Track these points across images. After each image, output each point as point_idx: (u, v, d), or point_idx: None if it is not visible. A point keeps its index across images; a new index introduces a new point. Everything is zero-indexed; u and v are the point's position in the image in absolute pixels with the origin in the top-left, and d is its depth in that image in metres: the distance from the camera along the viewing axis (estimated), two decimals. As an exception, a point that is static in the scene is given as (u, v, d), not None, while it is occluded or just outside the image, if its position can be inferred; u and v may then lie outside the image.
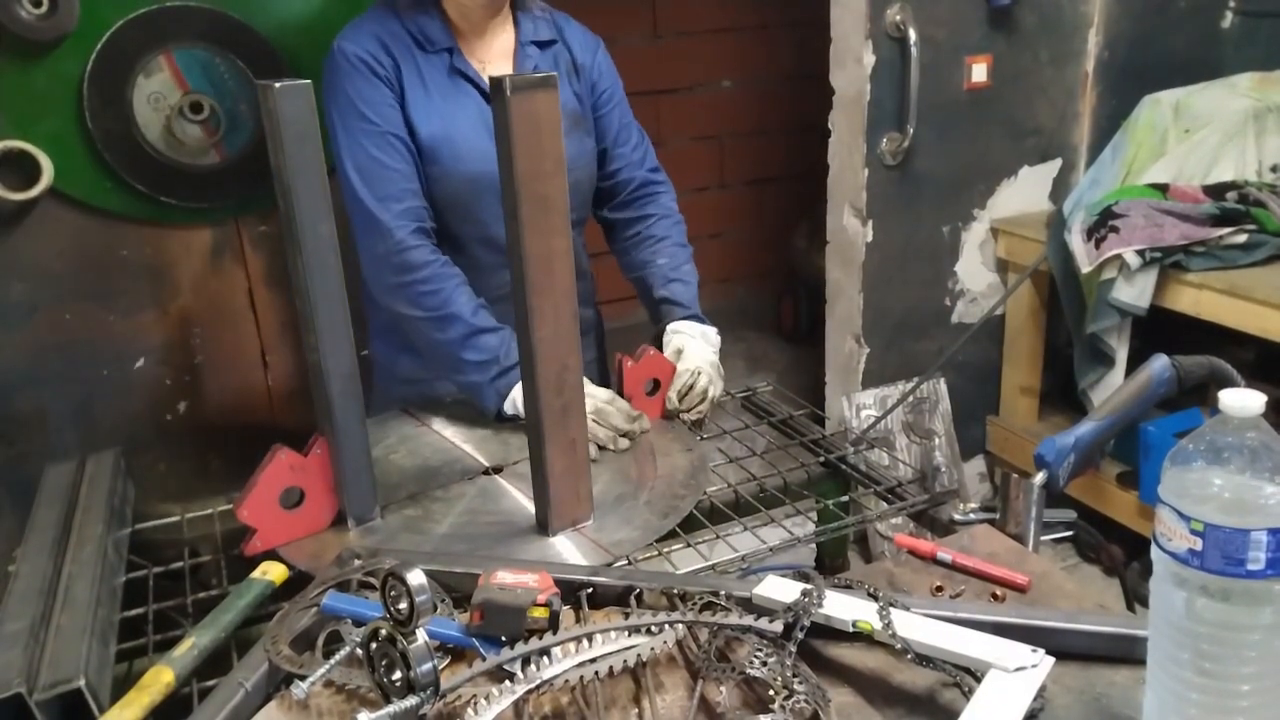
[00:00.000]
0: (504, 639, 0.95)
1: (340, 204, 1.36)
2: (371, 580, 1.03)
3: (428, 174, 1.53)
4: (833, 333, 2.93)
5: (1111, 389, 2.09)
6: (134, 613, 1.15)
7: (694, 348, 1.59)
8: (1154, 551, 0.76)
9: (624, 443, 1.42)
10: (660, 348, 1.61)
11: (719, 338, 1.67)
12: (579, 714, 0.89)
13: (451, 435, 1.49)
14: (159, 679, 0.95)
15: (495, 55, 1.59)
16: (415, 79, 1.52)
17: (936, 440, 2.91)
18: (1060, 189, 2.90)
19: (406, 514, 1.28)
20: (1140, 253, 2.32)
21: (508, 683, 0.89)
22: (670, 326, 1.65)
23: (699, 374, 1.54)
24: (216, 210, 1.97)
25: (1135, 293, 2.36)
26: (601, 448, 1.40)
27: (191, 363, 2.03)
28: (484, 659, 0.92)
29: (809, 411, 1.59)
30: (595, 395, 1.43)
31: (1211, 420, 0.75)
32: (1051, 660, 0.87)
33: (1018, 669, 0.86)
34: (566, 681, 0.90)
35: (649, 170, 1.77)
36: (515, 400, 1.43)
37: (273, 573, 1.13)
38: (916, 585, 1.08)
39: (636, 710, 0.90)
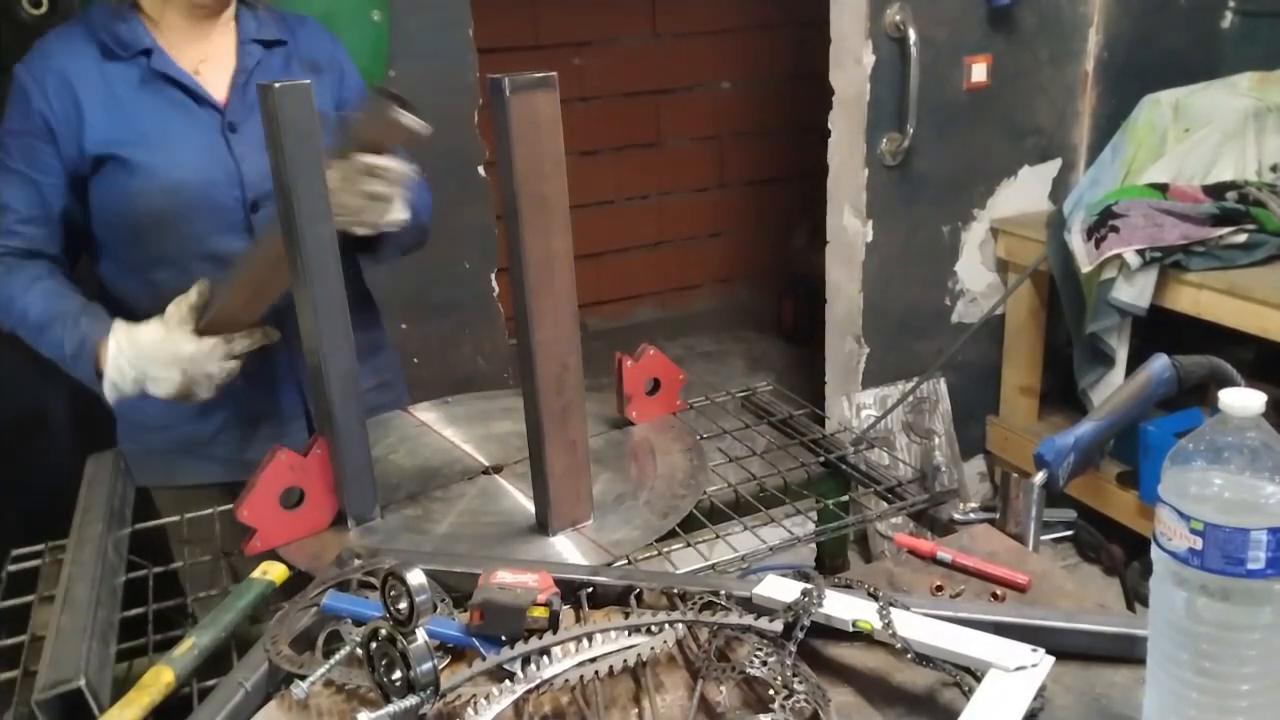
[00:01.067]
0: (504, 638, 0.95)
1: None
2: (371, 580, 1.03)
3: (127, 191, 1.42)
4: (833, 333, 2.93)
5: (1111, 389, 2.09)
6: (134, 613, 1.15)
7: None
8: (1154, 551, 0.76)
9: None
10: None
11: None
12: (579, 714, 0.89)
13: (451, 435, 1.49)
14: (159, 679, 0.95)
15: (212, 56, 1.49)
16: (96, 96, 1.42)
17: (936, 440, 2.91)
18: (1060, 189, 2.91)
19: (406, 514, 1.28)
20: (1140, 252, 2.32)
21: (508, 682, 0.89)
22: None
23: None
24: (216, 210, 1.97)
25: (1135, 292, 2.36)
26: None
27: (191, 363, 2.02)
28: (484, 659, 0.92)
29: (809, 411, 1.59)
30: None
31: (1211, 420, 0.75)
32: (1051, 660, 0.87)
33: (1018, 668, 0.86)
34: (566, 681, 0.90)
35: None
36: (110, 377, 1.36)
37: (273, 573, 1.13)
38: (916, 585, 1.08)
39: (636, 710, 0.90)
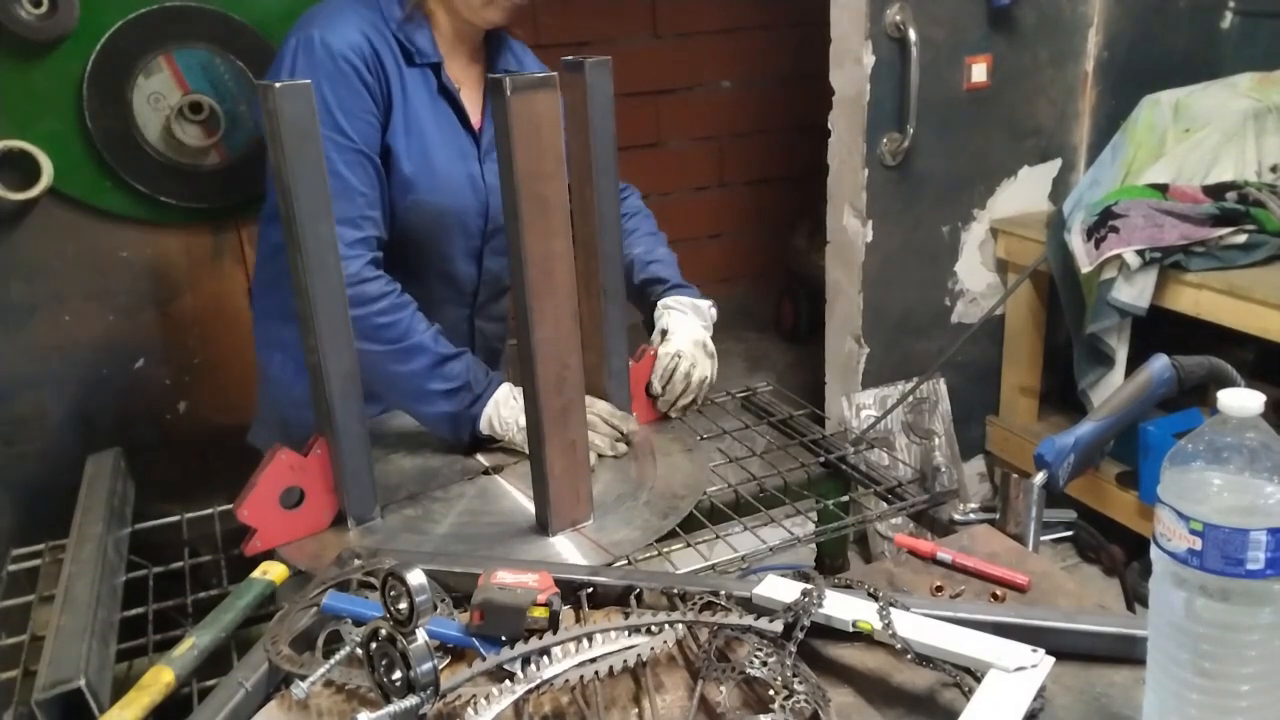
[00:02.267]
0: (504, 639, 0.95)
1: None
2: (371, 580, 1.03)
3: (401, 203, 1.42)
4: (833, 333, 2.93)
5: (1111, 389, 2.09)
6: (134, 613, 1.15)
7: (681, 326, 1.50)
8: (1153, 551, 0.76)
9: (622, 447, 1.39)
10: (651, 327, 1.56)
11: (714, 310, 1.57)
12: (579, 714, 0.89)
13: (451, 435, 1.49)
14: (159, 679, 0.95)
15: (469, 79, 1.52)
16: (400, 95, 1.40)
17: (936, 440, 2.91)
18: (1060, 189, 2.91)
19: (406, 514, 1.28)
20: (1140, 253, 2.32)
21: (508, 682, 0.89)
22: (661, 303, 1.56)
23: (680, 357, 1.47)
24: (216, 210, 1.97)
25: (1135, 293, 2.36)
26: (601, 455, 1.37)
27: (191, 363, 2.03)
28: (484, 659, 0.92)
29: (809, 411, 1.59)
30: (590, 404, 1.37)
31: (1211, 420, 0.75)
32: (1051, 660, 0.87)
33: (1018, 669, 0.86)
34: (566, 681, 0.90)
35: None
36: (490, 419, 1.38)
37: (273, 573, 1.13)
38: (916, 585, 1.08)
39: (636, 710, 0.90)
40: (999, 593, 1.06)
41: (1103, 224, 2.39)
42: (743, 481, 1.38)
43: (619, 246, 1.37)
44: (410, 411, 1.44)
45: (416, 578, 0.83)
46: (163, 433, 2.02)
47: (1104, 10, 2.78)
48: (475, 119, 1.51)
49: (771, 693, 0.87)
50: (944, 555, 1.11)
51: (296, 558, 1.18)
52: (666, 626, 0.95)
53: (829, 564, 1.51)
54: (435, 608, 0.98)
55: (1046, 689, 0.88)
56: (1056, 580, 1.08)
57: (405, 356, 1.36)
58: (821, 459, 1.46)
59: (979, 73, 2.68)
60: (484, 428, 1.39)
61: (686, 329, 1.51)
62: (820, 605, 0.94)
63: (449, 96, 1.46)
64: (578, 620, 1.02)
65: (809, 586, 0.96)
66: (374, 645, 0.87)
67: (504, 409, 1.38)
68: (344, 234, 1.32)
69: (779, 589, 0.98)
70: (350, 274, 1.32)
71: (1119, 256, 2.35)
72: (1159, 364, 1.27)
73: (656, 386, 1.48)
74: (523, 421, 1.33)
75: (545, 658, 0.91)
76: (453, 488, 1.34)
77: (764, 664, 0.90)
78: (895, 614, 0.92)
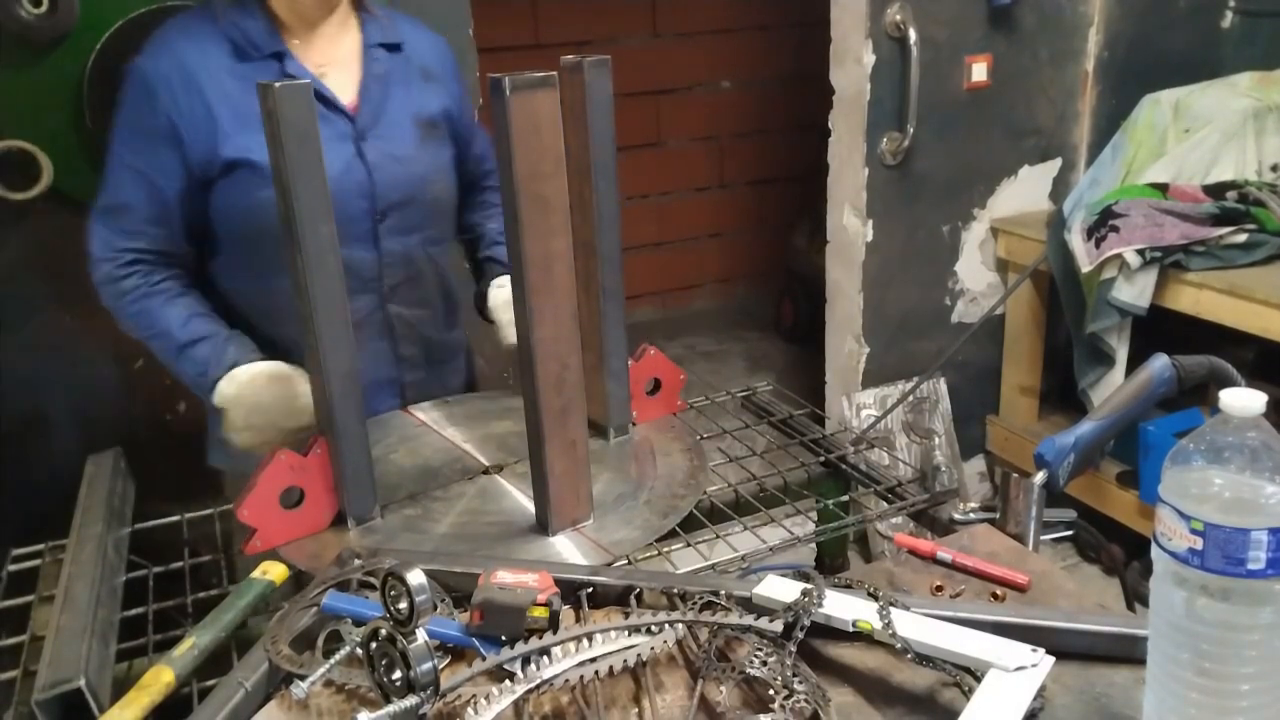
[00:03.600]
0: (504, 638, 0.95)
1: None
2: (371, 580, 1.03)
3: (252, 198, 1.38)
4: (833, 332, 2.93)
5: (1111, 388, 2.09)
6: (134, 612, 1.15)
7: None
8: (1154, 551, 0.76)
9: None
10: (482, 307, 1.60)
11: None
12: (579, 713, 0.89)
13: (451, 435, 1.49)
14: (159, 679, 0.95)
15: (335, 60, 1.45)
16: (230, 99, 1.36)
17: (936, 440, 2.91)
18: (1060, 188, 2.91)
19: (406, 514, 1.28)
20: (1140, 252, 2.32)
21: (508, 682, 0.89)
22: (495, 281, 1.59)
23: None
24: (216, 210, 1.97)
25: (1135, 292, 2.36)
26: None
27: (191, 363, 2.02)
28: (484, 658, 0.92)
29: (809, 411, 1.59)
30: None
31: (1212, 420, 0.75)
32: (1051, 660, 0.87)
33: (1018, 668, 0.86)
34: (566, 681, 0.90)
35: (492, 164, 1.67)
36: (222, 391, 1.35)
37: (273, 572, 1.13)
38: (916, 585, 1.08)
39: (636, 710, 0.90)
40: (999, 592, 1.06)
41: (1103, 223, 2.39)
42: (743, 481, 1.38)
43: (619, 246, 1.37)
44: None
45: (416, 577, 0.83)
46: (163, 433, 2.02)
47: (1104, 10, 2.78)
48: (348, 98, 1.45)
49: (771, 692, 0.87)
50: (944, 555, 1.11)
51: (296, 558, 1.18)
52: (666, 626, 0.95)
53: (829, 563, 1.51)
54: (435, 607, 0.98)
55: (1046, 688, 0.88)
56: (1056, 580, 1.08)
57: (157, 343, 1.43)
58: (821, 458, 1.46)
59: (979, 72, 2.68)
60: (218, 402, 1.36)
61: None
62: (820, 605, 0.94)
63: None
64: (578, 620, 1.02)
65: (809, 586, 0.96)
66: (374, 645, 0.87)
67: (225, 386, 1.35)
68: (113, 241, 1.41)
69: (779, 589, 0.98)
70: (105, 274, 1.42)
71: (1119, 256, 2.35)
72: (1159, 363, 1.27)
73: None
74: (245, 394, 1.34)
75: (545, 657, 0.91)
76: (453, 487, 1.34)
77: (764, 664, 0.90)
78: (895, 613, 0.92)
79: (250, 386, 1.35)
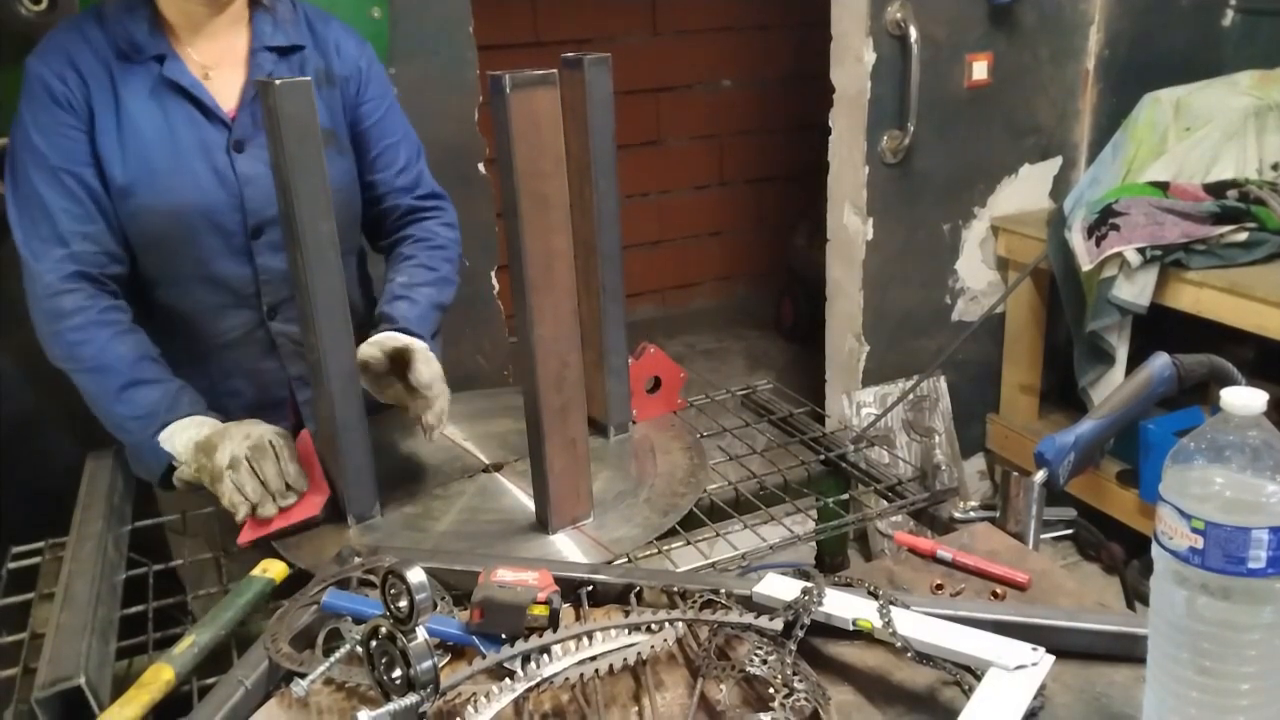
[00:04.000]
0: (504, 637, 0.95)
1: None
2: (371, 578, 1.03)
3: (124, 211, 1.33)
4: (833, 331, 2.93)
5: (1112, 387, 2.08)
6: (134, 610, 1.15)
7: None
8: (1155, 549, 0.76)
9: (270, 509, 1.21)
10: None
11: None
12: (579, 712, 0.89)
13: (451, 433, 1.49)
14: (159, 676, 0.95)
15: (223, 61, 1.38)
16: (108, 101, 1.31)
17: (937, 438, 2.91)
18: (1061, 187, 2.91)
19: (406, 512, 1.28)
20: (1141, 250, 2.32)
21: (508, 680, 0.89)
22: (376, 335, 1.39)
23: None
24: (216, 208, 1.97)
25: (1136, 291, 2.36)
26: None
27: (191, 361, 2.02)
28: (484, 657, 0.92)
29: (809, 409, 1.59)
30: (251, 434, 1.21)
31: (1212, 419, 0.75)
32: (1052, 658, 0.87)
33: (1018, 667, 0.86)
34: (566, 679, 0.90)
35: (418, 197, 1.55)
36: (175, 447, 1.26)
37: (272, 570, 1.13)
38: (916, 583, 1.08)
39: (636, 708, 0.90)
40: (999, 591, 1.06)
41: (1103, 222, 2.39)
42: (743, 479, 1.38)
43: (619, 245, 1.37)
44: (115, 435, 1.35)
45: (416, 575, 0.83)
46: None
47: (1105, 8, 2.78)
48: (228, 105, 1.37)
49: (771, 691, 0.87)
50: (944, 553, 1.11)
51: (296, 556, 1.18)
52: (666, 624, 0.95)
53: (829, 562, 1.51)
54: (435, 605, 0.98)
55: (1046, 687, 0.88)
56: (1056, 578, 1.08)
57: (95, 377, 1.30)
58: (822, 457, 1.46)
59: (980, 70, 2.68)
60: (168, 447, 1.27)
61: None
62: (820, 603, 0.94)
63: (179, 87, 1.34)
64: (578, 618, 1.02)
65: (809, 584, 0.96)
66: (374, 643, 0.87)
67: (178, 436, 1.27)
68: (47, 250, 1.30)
69: (779, 587, 0.98)
70: (44, 285, 1.30)
71: (1120, 254, 2.35)
72: (1159, 362, 1.27)
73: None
74: (195, 445, 1.24)
75: (545, 656, 0.91)
76: (453, 485, 1.34)
77: (764, 662, 0.90)
78: (895, 612, 0.92)
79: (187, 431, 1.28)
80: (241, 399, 1.44)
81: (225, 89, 1.38)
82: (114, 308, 1.33)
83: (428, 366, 1.30)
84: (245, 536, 1.20)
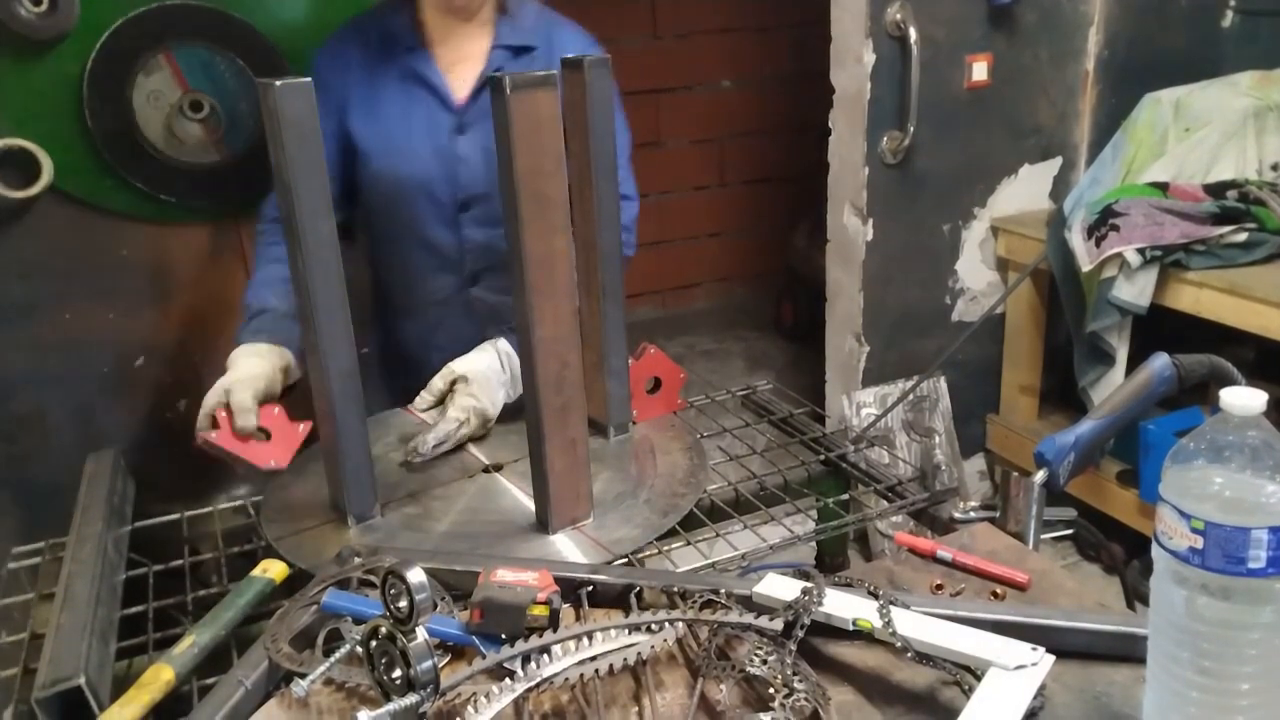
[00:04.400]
0: (504, 637, 0.95)
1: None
2: (371, 578, 1.03)
3: (363, 176, 1.57)
4: (833, 331, 2.93)
5: (1112, 387, 2.09)
6: (134, 611, 1.15)
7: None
8: (1155, 549, 0.76)
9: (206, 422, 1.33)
10: None
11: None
12: (579, 712, 0.89)
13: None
14: (159, 677, 0.95)
15: (465, 59, 1.57)
16: (365, 81, 1.55)
17: (936, 438, 2.91)
18: (1061, 187, 2.91)
19: (406, 512, 1.28)
20: (1141, 251, 2.32)
21: (508, 680, 0.89)
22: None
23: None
24: (217, 209, 1.97)
25: (1135, 291, 2.36)
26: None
27: (191, 362, 2.02)
28: (484, 657, 0.92)
29: (809, 410, 1.59)
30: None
31: (1212, 419, 0.75)
32: (1052, 658, 0.87)
33: (1018, 667, 0.86)
34: (566, 679, 0.90)
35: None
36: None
37: (272, 571, 1.13)
38: (916, 583, 1.08)
39: (637, 708, 0.90)
40: (999, 591, 1.06)
41: (1103, 222, 2.39)
42: (743, 479, 1.38)
43: (618, 246, 1.37)
44: None
45: (416, 576, 0.83)
46: (163, 432, 2.02)
47: (1104, 9, 2.78)
48: (460, 95, 1.56)
49: (771, 691, 0.87)
50: (944, 553, 1.11)
51: (297, 556, 1.18)
52: (666, 625, 0.95)
53: (829, 562, 1.51)
54: (435, 606, 0.98)
55: (1046, 687, 0.88)
56: (1056, 578, 1.08)
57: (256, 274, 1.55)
58: (822, 457, 1.46)
59: (980, 71, 2.68)
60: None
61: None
62: (820, 603, 0.94)
63: (419, 76, 1.55)
64: (578, 618, 1.02)
65: (809, 585, 0.96)
66: (374, 643, 0.87)
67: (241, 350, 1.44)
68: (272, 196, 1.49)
69: (779, 587, 0.98)
70: (260, 213, 1.60)
71: (1119, 255, 2.35)
72: (1159, 362, 1.27)
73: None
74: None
75: (545, 656, 0.91)
76: (453, 486, 1.34)
77: (764, 662, 0.90)
78: (895, 612, 0.92)
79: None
80: (444, 353, 1.54)
81: (461, 81, 1.57)
82: (278, 249, 1.47)
83: (464, 398, 1.44)
84: (204, 435, 1.29)
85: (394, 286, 1.68)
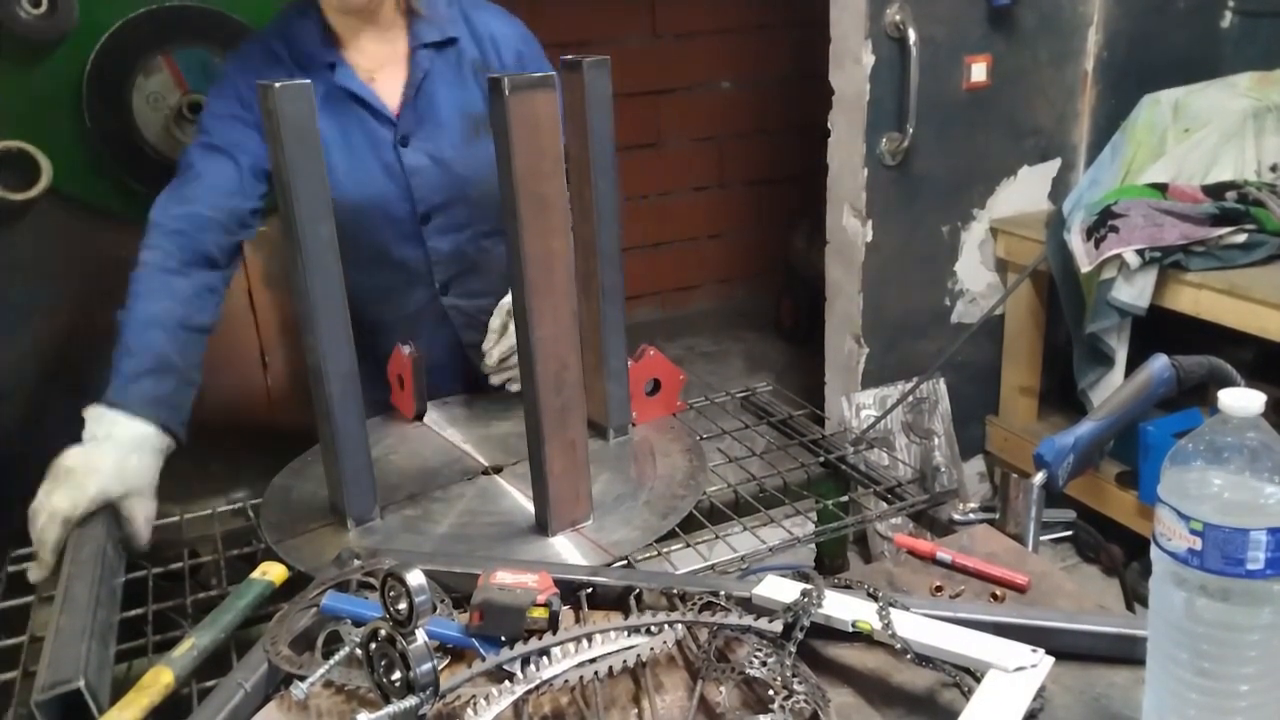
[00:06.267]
0: (503, 639, 0.95)
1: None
2: (371, 580, 1.02)
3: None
4: (832, 333, 2.93)
5: (1111, 389, 2.09)
6: (133, 613, 1.15)
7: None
8: (1153, 551, 0.76)
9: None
10: None
11: None
12: (579, 714, 0.89)
13: (451, 435, 1.49)
14: (158, 679, 0.95)
15: (387, 63, 1.50)
16: None
17: (936, 440, 2.91)
18: (1060, 189, 2.91)
19: (406, 514, 1.28)
20: (1140, 252, 2.32)
21: (507, 683, 0.89)
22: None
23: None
24: (216, 210, 1.97)
25: (1135, 292, 2.36)
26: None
27: (191, 363, 2.02)
28: (483, 659, 0.92)
29: (808, 411, 1.59)
30: None
31: (1211, 420, 0.75)
32: (1051, 660, 0.87)
33: (1017, 669, 0.86)
34: (566, 682, 0.90)
35: None
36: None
37: (272, 573, 1.13)
38: (916, 585, 1.08)
39: (636, 710, 0.90)
40: (998, 593, 1.06)
41: (1102, 223, 2.39)
42: (742, 481, 1.38)
43: (619, 246, 1.37)
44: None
45: (416, 578, 0.83)
46: (162, 433, 2.02)
47: (1104, 10, 2.78)
48: (393, 104, 1.49)
49: (771, 693, 0.87)
50: (943, 555, 1.11)
51: (296, 558, 1.18)
52: (666, 627, 0.95)
53: (828, 564, 1.51)
54: (435, 608, 0.97)
55: (1046, 689, 0.88)
56: (1056, 580, 1.08)
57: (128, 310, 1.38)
58: (821, 459, 1.46)
59: (979, 72, 2.68)
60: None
61: None
62: (820, 605, 0.94)
63: (348, 92, 1.47)
64: (577, 620, 1.02)
65: (808, 587, 0.96)
66: (373, 646, 0.87)
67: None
68: (169, 207, 1.38)
69: (778, 589, 0.98)
70: (146, 230, 1.39)
71: (1119, 256, 2.35)
72: (1159, 364, 1.27)
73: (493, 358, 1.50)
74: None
75: (545, 658, 0.91)
76: (452, 488, 1.34)
77: (763, 664, 0.90)
78: (895, 614, 0.92)
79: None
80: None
81: (389, 88, 1.50)
82: (186, 270, 1.37)
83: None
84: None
85: (364, 304, 1.48)
